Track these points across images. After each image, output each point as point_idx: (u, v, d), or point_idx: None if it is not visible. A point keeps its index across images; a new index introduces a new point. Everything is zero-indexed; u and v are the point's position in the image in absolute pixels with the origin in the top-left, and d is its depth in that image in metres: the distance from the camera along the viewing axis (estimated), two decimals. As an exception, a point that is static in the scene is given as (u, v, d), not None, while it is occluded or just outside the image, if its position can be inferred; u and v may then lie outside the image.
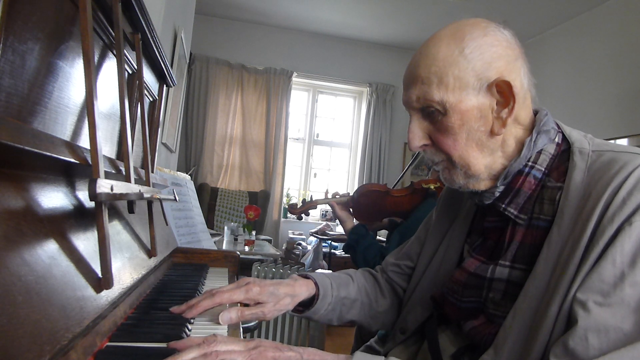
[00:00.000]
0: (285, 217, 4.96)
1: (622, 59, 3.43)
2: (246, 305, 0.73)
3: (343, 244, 1.80)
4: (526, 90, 0.68)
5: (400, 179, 1.98)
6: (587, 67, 3.77)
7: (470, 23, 0.68)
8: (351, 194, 1.70)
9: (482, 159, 0.68)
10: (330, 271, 2.36)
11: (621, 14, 3.50)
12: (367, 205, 1.65)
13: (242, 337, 0.66)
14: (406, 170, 2.03)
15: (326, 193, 1.85)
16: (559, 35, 4.15)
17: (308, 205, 1.74)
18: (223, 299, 0.69)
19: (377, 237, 4.52)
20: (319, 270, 2.30)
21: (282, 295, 0.76)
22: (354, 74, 5.16)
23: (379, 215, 1.72)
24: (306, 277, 0.84)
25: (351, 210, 1.68)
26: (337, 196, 1.72)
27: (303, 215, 1.77)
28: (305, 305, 0.84)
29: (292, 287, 0.79)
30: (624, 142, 3.33)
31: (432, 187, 1.57)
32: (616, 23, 3.54)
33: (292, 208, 1.77)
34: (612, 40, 3.56)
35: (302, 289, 0.81)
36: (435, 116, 0.67)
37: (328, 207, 1.79)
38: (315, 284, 0.83)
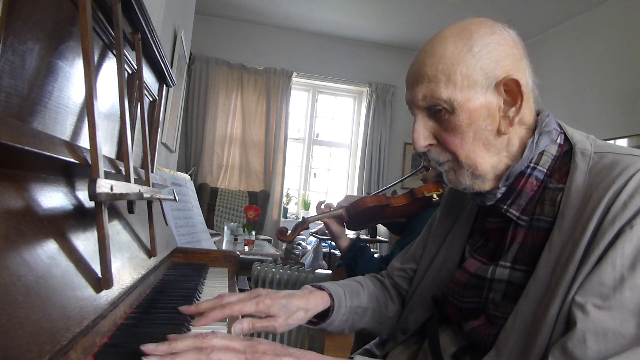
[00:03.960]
0: (285, 217, 4.96)
1: (622, 59, 3.44)
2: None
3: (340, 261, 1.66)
4: (530, 90, 0.68)
5: (392, 185, 1.90)
6: (587, 67, 3.77)
7: (475, 22, 0.68)
8: (341, 203, 1.55)
9: (489, 159, 0.67)
10: (330, 271, 2.35)
11: (621, 14, 3.50)
12: (364, 218, 1.55)
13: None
14: (402, 180, 1.96)
15: (317, 207, 1.63)
16: (559, 35, 4.15)
17: (300, 228, 1.57)
18: (233, 311, 0.68)
19: (377, 237, 4.51)
20: (319, 271, 2.29)
21: (295, 308, 0.74)
22: (354, 74, 5.16)
23: (376, 223, 1.67)
24: (320, 287, 0.83)
25: (345, 223, 1.56)
26: (324, 207, 1.57)
27: (296, 238, 1.60)
28: (320, 316, 0.82)
29: (306, 300, 0.77)
30: (623, 142, 3.34)
31: (434, 195, 1.49)
32: (616, 23, 3.54)
33: (282, 235, 1.56)
34: (612, 40, 3.56)
35: (317, 302, 0.79)
36: (441, 115, 0.67)
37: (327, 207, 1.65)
38: (330, 295, 0.82)
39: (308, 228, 1.59)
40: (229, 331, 0.65)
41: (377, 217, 1.57)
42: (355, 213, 1.52)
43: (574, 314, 0.55)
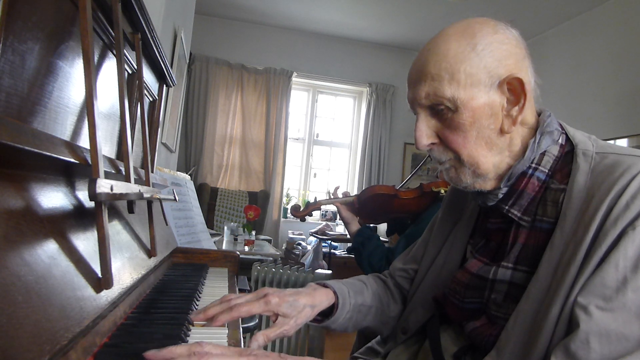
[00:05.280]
0: (285, 217, 4.96)
1: (622, 59, 3.44)
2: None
3: (346, 245, 1.74)
4: (533, 90, 0.68)
5: (407, 181, 1.94)
6: (587, 67, 3.77)
7: (479, 21, 0.68)
8: (356, 193, 1.64)
9: (491, 158, 0.67)
10: (330, 271, 2.35)
11: (621, 14, 3.50)
12: (373, 207, 1.61)
13: (242, 337, 0.66)
14: (411, 176, 1.98)
15: (332, 192, 1.75)
16: (559, 35, 4.15)
17: (312, 207, 1.68)
18: (241, 313, 0.68)
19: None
20: (319, 271, 2.29)
21: (302, 306, 0.74)
22: (354, 74, 5.16)
23: (385, 216, 1.68)
24: (324, 285, 0.83)
25: (356, 210, 1.63)
26: (342, 194, 1.66)
27: (306, 217, 1.71)
28: (324, 314, 0.82)
29: (312, 297, 0.77)
30: (623, 142, 3.34)
31: (442, 191, 1.51)
32: (616, 23, 3.54)
33: (295, 210, 1.69)
34: (612, 40, 3.56)
35: (322, 299, 0.79)
36: (444, 113, 0.67)
37: (329, 207, 1.70)
38: (334, 292, 0.82)
39: (319, 209, 1.74)
40: (229, 336, 0.65)
41: (386, 208, 1.61)
42: (365, 199, 1.58)
43: (576, 315, 0.55)
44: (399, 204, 1.58)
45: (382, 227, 4.81)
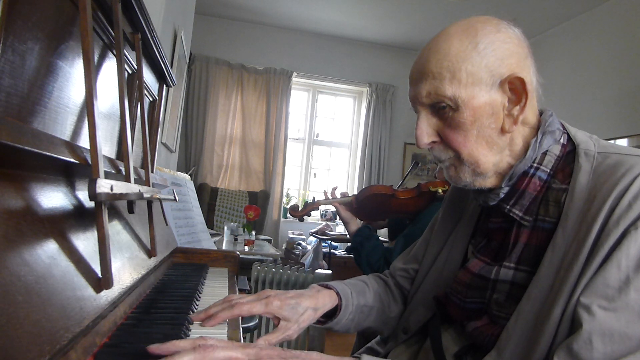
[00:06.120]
0: (285, 217, 4.96)
1: (622, 59, 3.43)
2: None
3: (346, 245, 1.74)
4: (535, 89, 0.68)
5: (402, 182, 1.95)
6: (587, 67, 3.77)
7: (481, 20, 0.67)
8: (355, 193, 1.64)
9: (491, 157, 0.67)
10: (330, 271, 2.35)
11: (621, 14, 3.50)
12: (371, 207, 1.61)
13: (242, 337, 0.66)
14: (407, 177, 1.99)
15: (327, 193, 1.76)
16: (559, 35, 4.15)
17: (310, 207, 1.68)
18: (242, 311, 0.68)
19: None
20: (319, 271, 2.29)
21: (303, 309, 0.74)
22: (354, 74, 5.16)
23: (383, 216, 1.69)
24: (327, 286, 0.83)
25: (354, 210, 1.63)
26: (340, 195, 1.67)
27: (305, 216, 1.72)
28: (327, 315, 0.82)
29: (315, 300, 0.77)
30: (624, 142, 3.34)
31: (440, 190, 1.52)
32: (616, 23, 3.54)
33: (293, 210, 1.70)
34: (612, 40, 3.56)
35: (325, 300, 0.79)
36: (445, 112, 0.66)
37: (329, 207, 1.71)
38: (337, 294, 0.82)
39: (318, 209, 1.75)
40: (228, 336, 0.65)
41: (384, 208, 1.61)
42: (363, 199, 1.59)
43: (579, 315, 0.55)
44: (397, 204, 1.58)
45: (382, 231, 4.82)
